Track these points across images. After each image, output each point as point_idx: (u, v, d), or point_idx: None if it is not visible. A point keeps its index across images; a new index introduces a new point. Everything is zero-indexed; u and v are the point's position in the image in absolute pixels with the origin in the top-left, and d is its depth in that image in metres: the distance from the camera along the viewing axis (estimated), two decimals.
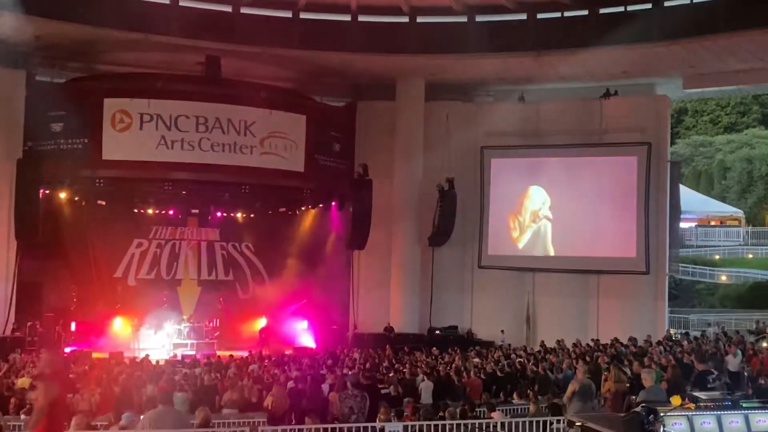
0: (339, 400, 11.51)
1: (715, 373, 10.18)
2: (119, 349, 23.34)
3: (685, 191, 34.03)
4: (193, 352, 23.76)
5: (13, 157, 23.60)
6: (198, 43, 24.31)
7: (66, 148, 23.78)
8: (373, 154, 27.84)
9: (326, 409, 12.40)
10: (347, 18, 25.84)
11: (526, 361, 17.95)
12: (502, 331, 26.05)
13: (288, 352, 23.96)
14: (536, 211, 27.53)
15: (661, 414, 5.77)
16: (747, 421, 5.97)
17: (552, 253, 27.35)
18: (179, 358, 22.22)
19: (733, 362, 16.23)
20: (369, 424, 10.57)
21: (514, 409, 13.37)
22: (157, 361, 20.27)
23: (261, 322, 27.35)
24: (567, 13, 25.12)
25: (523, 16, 25.42)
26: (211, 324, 26.65)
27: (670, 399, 6.14)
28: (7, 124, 24.10)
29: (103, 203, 26.02)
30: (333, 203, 27.89)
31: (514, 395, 14.33)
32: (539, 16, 25.30)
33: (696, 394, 6.42)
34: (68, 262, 25.47)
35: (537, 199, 27.62)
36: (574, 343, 21.42)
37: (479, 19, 25.72)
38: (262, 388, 14.10)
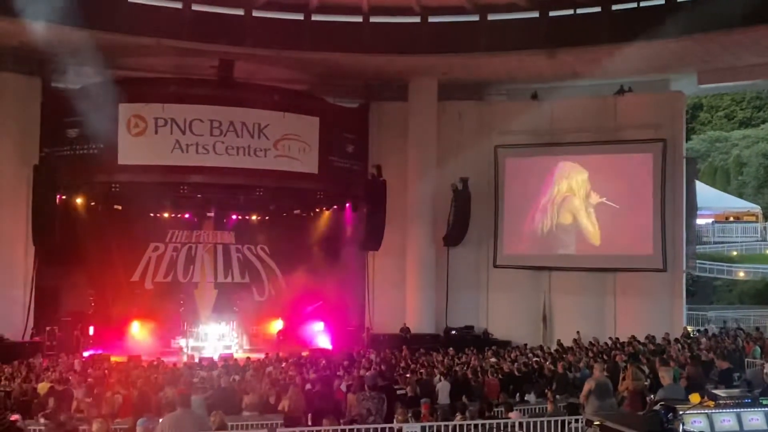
0: (357, 402, 11.52)
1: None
2: (164, 351, 24.24)
3: (701, 187, 33.79)
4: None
5: (29, 163, 23.80)
6: (211, 47, 24.41)
7: (82, 154, 24.00)
8: (387, 154, 27.84)
9: (340, 410, 12.40)
10: (359, 19, 25.84)
11: (543, 360, 17.89)
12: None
13: (305, 353, 24.02)
14: (588, 191, 26.85)
15: (681, 412, 5.74)
16: None
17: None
18: (197, 360, 22.36)
19: None
20: (387, 425, 10.58)
21: (531, 409, 13.33)
22: (174, 364, 20.39)
23: (277, 324, 27.45)
24: (579, 10, 24.98)
25: (536, 14, 25.33)
26: (228, 326, 26.77)
27: (689, 397, 6.11)
28: (24, 130, 24.38)
29: (120, 208, 26.22)
30: (347, 204, 27.91)
31: (531, 394, 14.31)
32: (551, 13, 25.19)
33: (715, 391, 6.38)
34: (86, 266, 25.62)
35: (577, 176, 27.07)
36: (591, 342, 21.35)
37: (491, 17, 25.64)
38: (280, 389, 14.13)
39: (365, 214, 27.36)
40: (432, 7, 25.60)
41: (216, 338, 26.00)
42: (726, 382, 9.41)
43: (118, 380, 15.69)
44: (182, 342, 25.78)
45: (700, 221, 34.06)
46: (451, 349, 22.24)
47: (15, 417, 11.79)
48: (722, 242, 40.70)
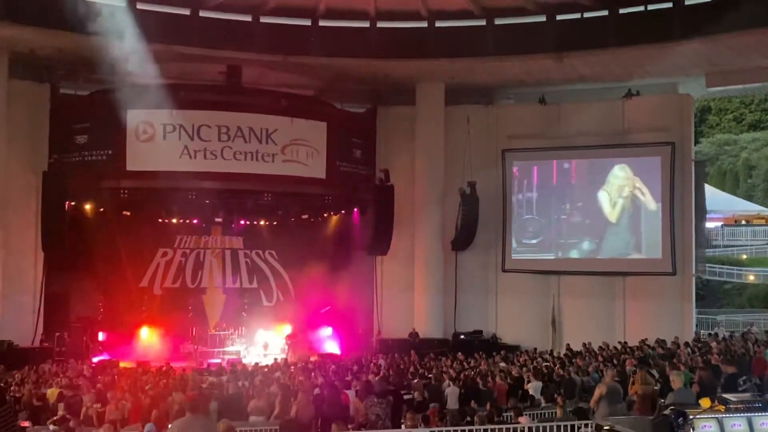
0: (364, 407, 11.49)
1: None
2: (185, 355, 24.67)
3: (710, 191, 33.67)
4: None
5: (38, 170, 23.88)
6: (219, 53, 24.51)
7: (91, 160, 24.07)
8: (395, 159, 27.86)
9: (348, 416, 12.37)
10: (366, 24, 25.89)
11: (552, 365, 17.83)
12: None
13: (313, 358, 24.01)
14: (622, 186, 26.67)
15: (691, 417, 5.71)
16: None
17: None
18: (206, 365, 22.39)
19: None
20: (396, 431, 10.54)
21: (541, 414, 13.27)
22: (183, 369, 20.41)
23: (286, 329, 27.45)
24: (587, 14, 24.94)
25: (543, 18, 25.31)
26: (237, 332, 26.80)
27: (700, 401, 6.08)
28: (33, 137, 24.48)
29: (128, 214, 26.23)
30: (355, 209, 27.93)
31: (541, 399, 14.24)
32: (558, 17, 25.17)
33: (726, 396, 6.34)
34: (95, 272, 25.71)
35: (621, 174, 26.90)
36: (600, 346, 21.26)
37: (498, 22, 25.65)
38: (288, 395, 14.11)
39: (373, 219, 27.36)
40: (439, 11, 25.61)
41: (261, 345, 26.16)
42: (731, 388, 9.33)
43: (127, 386, 15.70)
44: (234, 348, 25.95)
45: (709, 224, 33.89)
46: (460, 353, 22.19)
47: (25, 423, 11.84)
48: (732, 245, 40.51)
